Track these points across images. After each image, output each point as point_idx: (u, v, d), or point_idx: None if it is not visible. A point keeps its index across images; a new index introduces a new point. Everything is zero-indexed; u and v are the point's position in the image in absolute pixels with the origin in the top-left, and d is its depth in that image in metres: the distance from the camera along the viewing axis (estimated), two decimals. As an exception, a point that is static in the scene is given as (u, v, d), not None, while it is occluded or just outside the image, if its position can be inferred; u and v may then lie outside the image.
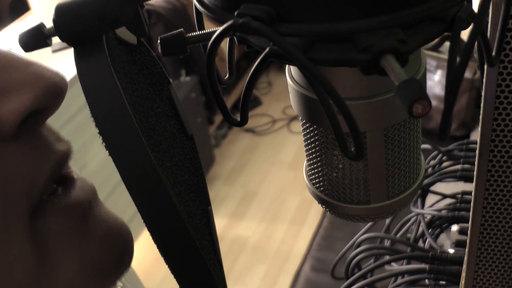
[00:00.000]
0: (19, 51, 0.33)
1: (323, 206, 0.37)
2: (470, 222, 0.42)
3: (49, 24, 0.28)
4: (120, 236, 0.34)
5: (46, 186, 0.30)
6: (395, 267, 0.81)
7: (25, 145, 0.29)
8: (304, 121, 0.34)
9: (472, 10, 0.26)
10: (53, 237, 0.30)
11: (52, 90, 0.29)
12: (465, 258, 0.45)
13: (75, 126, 1.85)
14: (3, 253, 0.28)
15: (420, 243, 0.85)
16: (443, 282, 0.71)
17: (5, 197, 0.28)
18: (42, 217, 0.30)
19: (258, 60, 0.26)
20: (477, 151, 0.39)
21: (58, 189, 0.32)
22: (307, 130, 0.34)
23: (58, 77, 0.30)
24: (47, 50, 2.04)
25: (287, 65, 0.33)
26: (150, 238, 0.26)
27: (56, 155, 0.31)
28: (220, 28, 0.25)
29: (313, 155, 0.35)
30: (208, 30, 0.30)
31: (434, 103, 1.37)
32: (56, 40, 0.29)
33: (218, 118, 2.78)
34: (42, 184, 0.30)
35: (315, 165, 0.36)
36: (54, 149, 0.31)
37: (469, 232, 0.43)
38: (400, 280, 0.75)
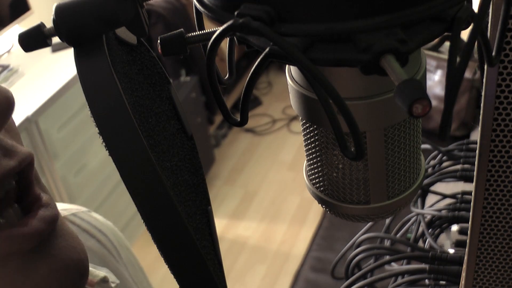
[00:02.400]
0: (19, 51, 0.32)
1: (323, 206, 0.37)
2: (470, 222, 0.42)
3: (49, 24, 0.28)
4: (76, 271, 0.33)
5: None
6: (395, 267, 0.81)
7: None
8: (304, 121, 0.34)
9: (472, 10, 0.26)
10: None
11: None
12: (465, 258, 0.45)
13: (75, 126, 1.85)
14: None
15: (420, 243, 0.85)
16: (443, 282, 0.71)
17: None
18: None
19: (258, 60, 0.26)
20: (477, 151, 0.39)
21: (14, 209, 0.31)
22: (307, 130, 0.34)
23: (2, 97, 0.29)
24: (47, 50, 2.04)
25: (287, 65, 0.33)
26: (150, 238, 0.26)
27: None
28: (220, 28, 0.25)
29: (313, 155, 0.35)
30: (208, 30, 0.30)
31: (434, 103, 1.37)
32: (56, 40, 0.29)
33: (218, 118, 2.78)
34: None
35: (315, 165, 0.36)
36: None
37: (469, 232, 0.43)
38: (400, 280, 0.75)
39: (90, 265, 0.35)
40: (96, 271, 0.45)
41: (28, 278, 0.31)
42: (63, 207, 0.54)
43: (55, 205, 0.34)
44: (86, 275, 0.34)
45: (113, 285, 0.46)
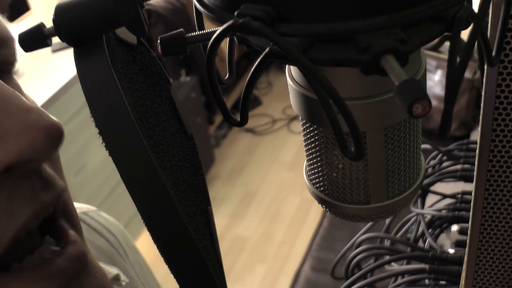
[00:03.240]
0: (19, 51, 0.32)
1: (323, 206, 0.37)
2: (470, 222, 0.42)
3: (49, 24, 0.28)
4: None
5: (14, 238, 0.29)
6: (395, 267, 0.81)
7: (2, 196, 0.28)
8: (304, 121, 0.34)
9: (472, 10, 0.26)
10: None
11: (40, 142, 0.28)
12: (465, 258, 0.45)
13: (75, 126, 1.85)
14: None
15: (420, 243, 0.85)
16: (443, 282, 0.71)
17: None
18: (12, 284, 0.29)
19: (258, 60, 0.26)
20: (477, 151, 0.39)
21: (44, 247, 0.31)
22: (307, 130, 0.34)
23: (51, 128, 0.29)
24: (47, 50, 2.04)
25: (287, 65, 0.33)
26: (150, 238, 0.26)
27: (32, 209, 0.29)
28: (220, 28, 0.25)
29: (313, 155, 0.35)
30: (208, 30, 0.30)
31: (434, 103, 1.37)
32: (56, 40, 0.29)
33: (218, 118, 2.78)
34: (8, 238, 0.29)
35: (315, 165, 0.36)
36: (34, 201, 0.30)
37: (469, 232, 0.43)
38: (400, 280, 0.75)
39: (100, 263, 0.35)
40: (110, 269, 0.45)
41: None
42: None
43: (83, 242, 0.33)
44: None
45: (123, 283, 0.46)
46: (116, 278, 0.45)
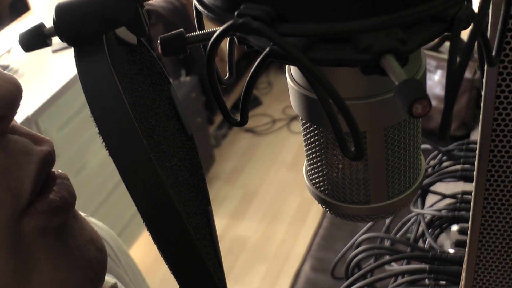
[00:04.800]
0: (19, 51, 0.32)
1: (323, 206, 0.37)
2: (470, 222, 0.42)
3: (49, 24, 0.28)
4: (90, 255, 0.33)
5: (35, 187, 0.30)
6: (395, 267, 0.81)
7: None
8: (304, 121, 0.34)
9: (472, 10, 0.26)
10: (32, 246, 0.30)
11: (3, 100, 0.29)
12: (465, 258, 0.45)
13: (75, 126, 1.85)
14: None
15: (420, 243, 0.85)
16: (443, 282, 0.71)
17: None
18: (26, 221, 0.30)
19: (258, 60, 0.26)
20: (477, 151, 0.39)
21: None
22: (307, 130, 0.34)
23: (9, 85, 0.29)
24: (47, 50, 2.04)
25: (287, 65, 0.33)
26: (150, 238, 0.26)
27: (36, 157, 0.30)
28: (220, 28, 0.25)
29: (313, 155, 0.35)
30: (208, 30, 0.30)
31: (434, 103, 1.37)
32: (56, 40, 0.29)
33: (218, 118, 2.78)
34: (28, 190, 0.29)
35: (315, 165, 0.36)
36: (32, 151, 0.31)
37: (469, 232, 0.43)
38: (400, 280, 0.75)
39: None
40: (107, 278, 0.46)
41: (63, 252, 0.31)
42: None
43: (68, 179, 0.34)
44: (104, 251, 0.34)
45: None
46: (114, 287, 0.45)
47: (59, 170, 0.34)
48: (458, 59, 0.24)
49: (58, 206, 0.31)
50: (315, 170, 0.36)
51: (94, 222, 0.57)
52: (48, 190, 0.31)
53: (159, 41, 0.29)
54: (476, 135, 0.42)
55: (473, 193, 0.41)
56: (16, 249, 0.29)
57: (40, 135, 0.33)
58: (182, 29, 0.30)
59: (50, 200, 0.31)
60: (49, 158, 0.32)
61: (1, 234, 0.29)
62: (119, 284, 0.47)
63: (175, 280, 0.27)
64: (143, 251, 2.17)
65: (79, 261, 0.32)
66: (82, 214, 0.57)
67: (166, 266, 0.27)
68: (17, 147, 0.30)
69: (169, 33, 0.29)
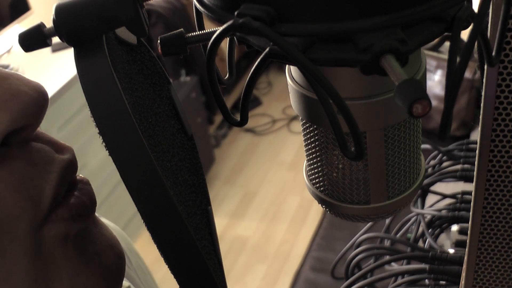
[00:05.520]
0: (19, 51, 0.32)
1: (323, 206, 0.37)
2: (470, 222, 0.42)
3: (49, 24, 0.28)
4: (109, 261, 0.33)
5: (56, 195, 0.30)
6: (395, 267, 0.81)
7: (21, 162, 0.29)
8: (304, 121, 0.34)
9: (472, 10, 0.26)
10: (52, 253, 0.30)
11: (30, 108, 0.28)
12: (465, 258, 0.45)
13: (75, 126, 1.85)
14: (5, 267, 0.28)
15: (420, 243, 0.85)
16: (443, 282, 0.71)
17: (6, 216, 0.28)
18: (47, 229, 0.29)
19: (258, 60, 0.26)
20: (477, 151, 0.38)
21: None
22: (307, 130, 0.34)
23: (36, 93, 0.29)
24: (47, 50, 2.04)
25: (287, 65, 0.33)
26: (150, 238, 0.26)
27: (57, 167, 0.30)
28: (220, 28, 0.25)
29: (313, 155, 0.35)
30: (208, 30, 0.30)
31: (434, 103, 1.37)
32: (56, 40, 0.29)
33: (218, 118, 2.78)
34: (49, 197, 0.29)
35: (315, 165, 0.36)
36: (54, 160, 0.30)
37: (469, 232, 0.43)
38: (400, 280, 0.75)
39: None
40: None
41: (83, 258, 0.31)
42: None
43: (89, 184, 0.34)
44: (123, 258, 0.34)
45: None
46: None
47: (81, 175, 0.33)
48: (458, 59, 0.24)
49: (79, 213, 0.31)
50: (315, 170, 0.36)
51: (106, 223, 0.57)
52: (69, 195, 0.31)
53: (159, 41, 0.29)
54: (476, 135, 0.42)
55: (473, 193, 0.41)
56: (37, 257, 0.29)
57: (62, 142, 0.32)
58: (182, 29, 0.30)
59: (71, 206, 0.30)
60: (71, 166, 0.31)
61: (23, 243, 0.28)
62: (132, 287, 0.47)
63: (175, 280, 0.27)
64: (143, 251, 2.16)
65: (99, 267, 0.32)
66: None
67: (166, 266, 0.27)
68: (39, 156, 0.30)
69: (169, 33, 0.29)
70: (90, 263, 0.32)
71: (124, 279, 0.48)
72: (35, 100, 0.28)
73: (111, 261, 0.33)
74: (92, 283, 0.31)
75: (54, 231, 0.30)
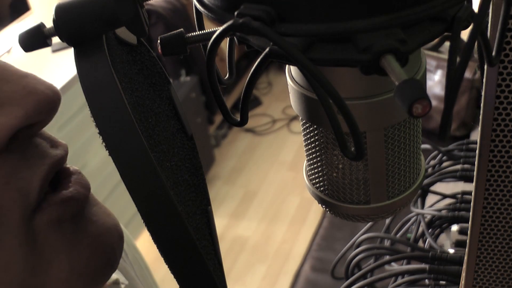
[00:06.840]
0: (19, 51, 0.33)
1: (323, 206, 0.37)
2: (470, 222, 0.42)
3: (49, 24, 0.28)
4: (111, 241, 0.34)
5: (42, 189, 0.30)
6: (395, 267, 0.81)
7: (14, 156, 0.30)
8: (304, 121, 0.34)
9: (472, 10, 0.26)
10: (48, 240, 0.31)
11: (44, 105, 0.30)
12: (465, 258, 0.45)
13: (75, 126, 1.85)
14: (2, 259, 0.29)
15: (420, 243, 0.85)
16: (443, 282, 0.71)
17: None
18: (39, 216, 0.30)
19: (258, 60, 0.26)
20: (477, 151, 0.39)
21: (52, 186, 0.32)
22: (307, 130, 0.34)
23: (51, 92, 0.30)
24: (47, 50, 2.04)
25: (287, 65, 0.33)
26: (150, 238, 0.26)
27: (49, 160, 0.31)
28: (220, 28, 0.25)
29: (313, 155, 0.35)
30: (208, 30, 0.30)
31: (434, 103, 1.37)
32: (56, 40, 0.29)
33: (218, 118, 2.78)
34: (36, 188, 0.30)
35: (315, 165, 0.36)
36: (48, 155, 0.31)
37: (469, 232, 0.43)
38: (400, 280, 0.75)
39: None
40: None
41: (71, 259, 0.32)
42: None
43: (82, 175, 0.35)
44: (123, 238, 0.35)
45: (122, 286, 0.47)
46: (116, 283, 0.46)
47: (74, 167, 0.34)
48: (458, 59, 0.24)
49: (70, 197, 0.31)
50: (315, 170, 0.36)
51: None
52: (63, 187, 0.32)
53: (159, 41, 0.29)
54: (476, 135, 0.42)
55: (473, 193, 0.41)
56: (33, 246, 0.30)
57: (57, 139, 0.34)
58: (182, 29, 0.30)
59: (63, 193, 0.31)
60: (61, 161, 0.32)
61: (17, 234, 0.29)
62: (122, 278, 0.47)
63: (175, 280, 0.27)
64: (143, 251, 2.16)
65: (100, 247, 0.33)
66: None
67: (166, 266, 0.27)
68: (35, 151, 0.31)
69: (169, 33, 0.29)
70: (92, 244, 0.32)
71: (117, 271, 0.48)
72: (50, 99, 0.30)
73: (113, 240, 0.34)
74: (93, 264, 0.32)
75: (46, 218, 0.30)
